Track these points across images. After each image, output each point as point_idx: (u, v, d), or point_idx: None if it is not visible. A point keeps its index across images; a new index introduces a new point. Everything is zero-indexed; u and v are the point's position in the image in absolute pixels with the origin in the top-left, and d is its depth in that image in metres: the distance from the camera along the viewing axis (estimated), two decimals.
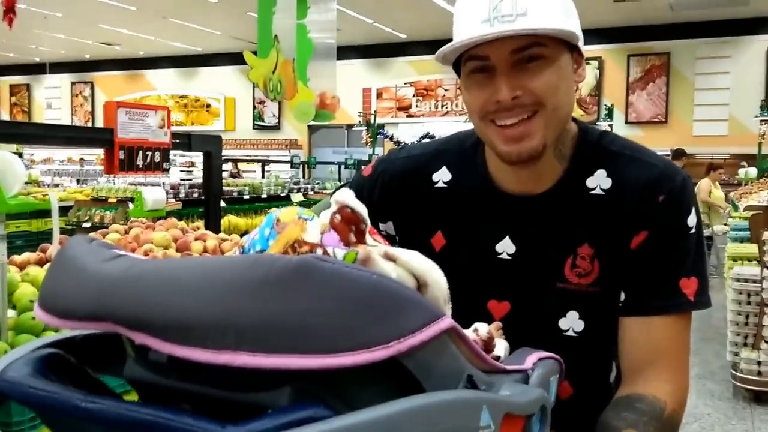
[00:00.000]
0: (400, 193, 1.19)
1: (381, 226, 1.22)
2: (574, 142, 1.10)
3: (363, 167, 1.30)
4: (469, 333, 0.80)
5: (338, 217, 0.65)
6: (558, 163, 1.09)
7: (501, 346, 0.89)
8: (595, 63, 14.98)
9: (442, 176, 1.17)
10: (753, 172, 11.38)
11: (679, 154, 8.11)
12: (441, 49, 0.99)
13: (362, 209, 0.67)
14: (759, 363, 4.23)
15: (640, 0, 12.74)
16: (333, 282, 0.55)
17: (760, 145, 12.35)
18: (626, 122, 15.10)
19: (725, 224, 7.93)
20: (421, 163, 1.19)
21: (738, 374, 4.36)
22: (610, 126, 13.57)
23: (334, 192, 1.34)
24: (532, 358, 0.85)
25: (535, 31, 0.95)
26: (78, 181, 12.03)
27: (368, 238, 0.67)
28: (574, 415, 1.06)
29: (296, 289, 0.54)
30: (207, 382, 0.60)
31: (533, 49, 0.97)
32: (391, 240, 1.25)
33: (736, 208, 7.52)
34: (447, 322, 0.62)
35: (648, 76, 15.13)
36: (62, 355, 0.70)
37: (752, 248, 5.08)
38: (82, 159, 14.97)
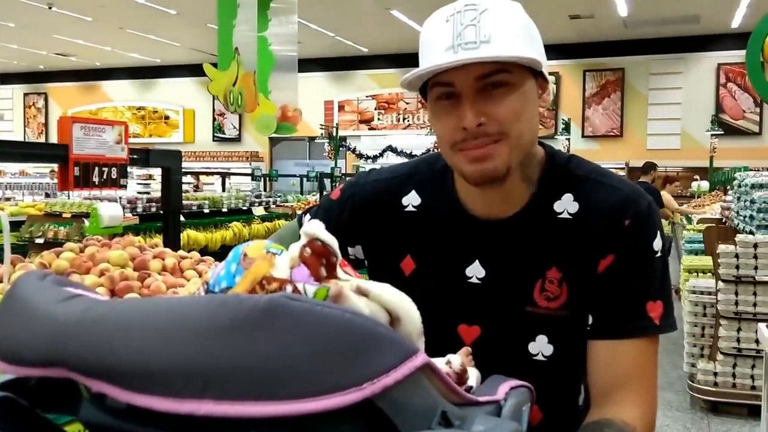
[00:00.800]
0: (369, 216, 1.18)
1: (350, 250, 1.21)
2: (541, 166, 1.10)
3: (331, 190, 1.28)
4: (442, 365, 0.78)
5: (308, 250, 0.63)
6: (525, 186, 1.09)
7: (473, 375, 0.87)
8: (552, 78, 15.24)
9: (411, 200, 1.17)
10: (705, 185, 11.70)
11: (648, 167, 8.13)
12: (405, 76, 0.99)
13: (333, 242, 0.65)
14: (715, 374, 4.32)
15: (594, 17, 13.05)
16: (304, 322, 0.53)
17: (711, 159, 12.73)
18: (583, 136, 15.41)
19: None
20: (390, 186, 1.18)
21: (695, 385, 4.44)
22: (568, 140, 13.84)
23: (301, 216, 1.32)
24: (503, 388, 0.84)
25: (498, 58, 0.95)
26: (47, 194, 11.65)
27: (339, 272, 0.65)
28: None
29: (265, 332, 0.51)
30: (169, 427, 0.57)
31: (498, 76, 0.97)
32: (359, 264, 1.23)
33: (689, 221, 7.71)
34: (421, 358, 0.60)
35: (603, 91, 15.50)
36: (12, 398, 0.65)
37: (707, 260, 5.20)
38: (53, 171, 14.50)
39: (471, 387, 0.84)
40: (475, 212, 1.11)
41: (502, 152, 1.00)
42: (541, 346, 1.10)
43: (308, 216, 1.28)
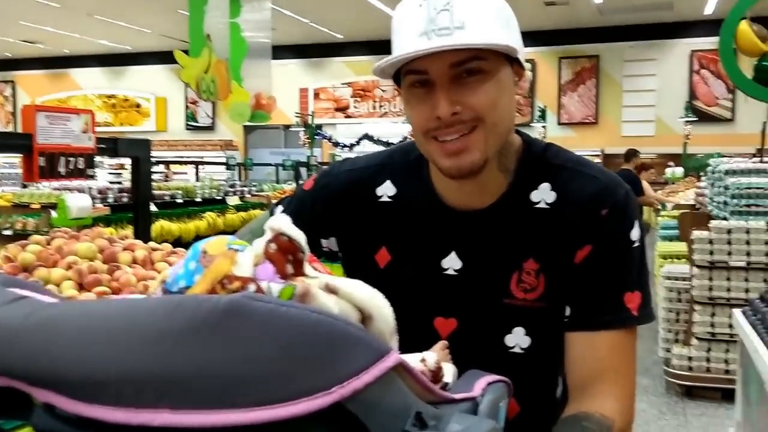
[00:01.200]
0: (343, 207, 1.15)
1: (323, 242, 1.17)
2: (518, 155, 1.08)
3: (305, 180, 1.24)
4: (416, 363, 0.75)
5: (273, 246, 0.59)
6: (502, 176, 1.06)
7: (449, 371, 0.85)
8: (528, 65, 15.26)
9: (386, 190, 1.13)
10: (679, 171, 11.83)
11: (630, 154, 8.12)
12: (377, 64, 0.96)
13: (300, 237, 0.61)
14: (690, 359, 4.37)
15: (569, 4, 13.08)
16: (268, 324, 0.49)
17: (685, 146, 12.87)
18: (559, 123, 15.49)
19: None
20: (364, 176, 1.15)
21: (670, 370, 4.49)
22: (544, 127, 13.89)
23: (274, 207, 1.28)
24: (480, 384, 0.81)
25: (471, 45, 0.92)
26: (24, 186, 11.34)
27: (307, 268, 0.61)
28: None
29: (226, 335, 0.48)
30: None
31: (472, 63, 0.94)
32: (333, 257, 1.20)
33: (664, 207, 7.78)
34: (393, 358, 0.58)
35: (578, 78, 15.57)
36: None
37: (681, 246, 5.25)
38: None
39: (447, 383, 0.81)
40: (451, 203, 1.09)
41: (478, 143, 0.97)
42: (518, 339, 1.08)
43: (281, 207, 1.24)
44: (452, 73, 0.94)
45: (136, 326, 0.48)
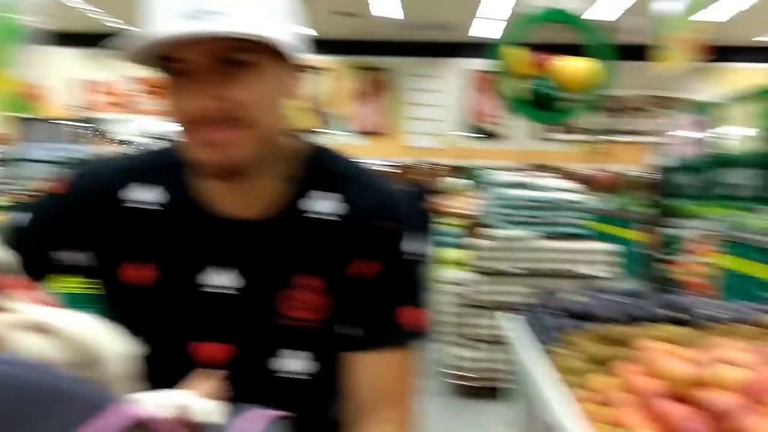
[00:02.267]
0: (87, 215, 0.98)
1: (66, 254, 1.00)
2: (296, 162, 1.00)
3: (52, 183, 1.05)
4: (169, 410, 0.63)
5: None
6: (277, 183, 0.97)
7: (216, 411, 0.73)
8: (322, 73, 15.50)
9: (141, 195, 0.98)
10: (459, 182, 12.69)
11: (416, 165, 8.50)
12: (122, 47, 0.81)
13: (5, 258, 0.47)
14: (463, 359, 4.63)
15: (362, 17, 13.48)
16: None
17: (464, 159, 13.88)
18: (351, 132, 15.90)
19: None
20: (114, 178, 0.99)
21: (445, 370, 4.73)
22: (336, 135, 14.17)
23: (13, 212, 1.07)
24: (253, 426, 0.71)
25: (228, 33, 0.80)
26: None
27: (7, 300, 0.47)
28: None
29: None
30: None
31: (236, 55, 0.84)
32: (85, 272, 1.02)
33: (444, 216, 8.24)
34: (123, 413, 0.46)
35: (370, 89, 16.15)
36: None
37: (458, 253, 5.56)
38: None
39: (215, 425, 0.70)
40: (219, 211, 0.97)
41: (236, 139, 0.86)
42: (292, 363, 0.99)
43: (20, 213, 1.04)
44: (214, 64, 0.83)
45: None
